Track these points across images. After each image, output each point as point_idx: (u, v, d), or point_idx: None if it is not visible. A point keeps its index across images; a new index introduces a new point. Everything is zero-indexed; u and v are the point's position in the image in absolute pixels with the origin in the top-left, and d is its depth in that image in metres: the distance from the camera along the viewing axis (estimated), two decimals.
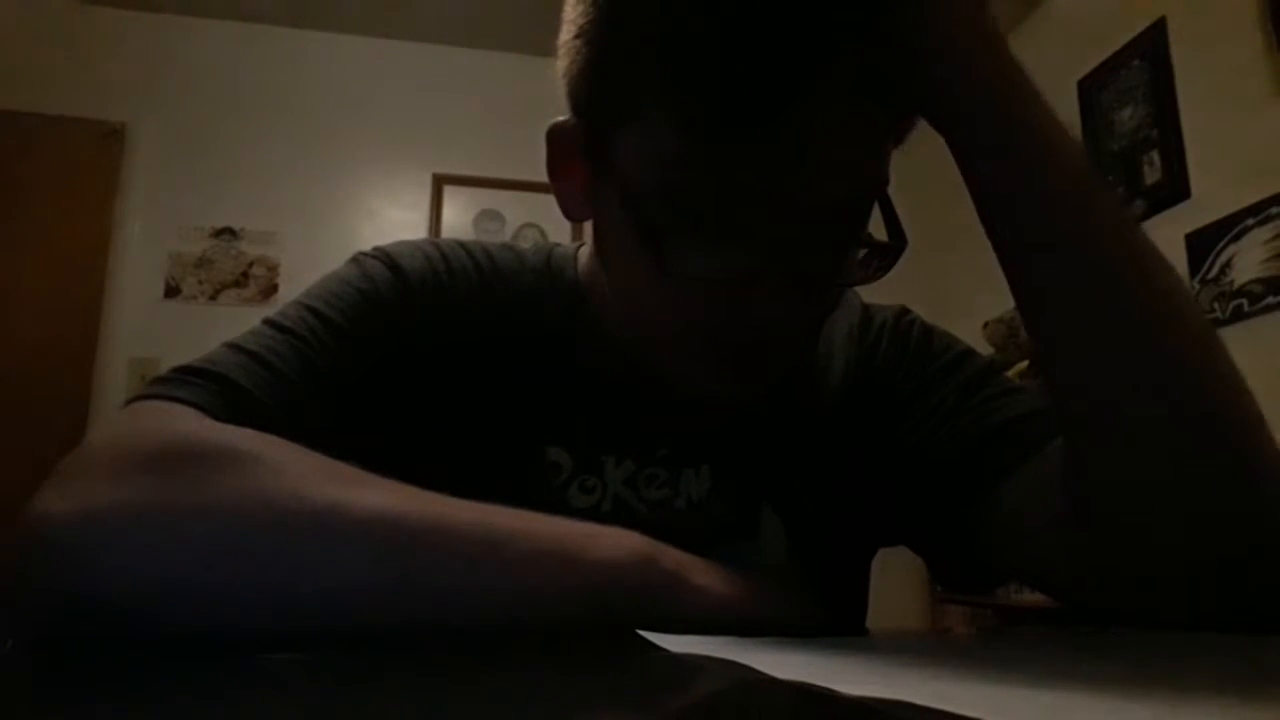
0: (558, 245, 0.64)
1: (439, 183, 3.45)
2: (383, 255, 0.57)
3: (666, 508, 0.57)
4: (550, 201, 0.59)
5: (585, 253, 0.62)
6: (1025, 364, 3.08)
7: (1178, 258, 2.58)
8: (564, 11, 0.50)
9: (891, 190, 0.47)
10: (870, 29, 0.41)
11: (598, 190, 0.50)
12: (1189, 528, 0.37)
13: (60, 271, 3.09)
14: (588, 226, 0.56)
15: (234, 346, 0.48)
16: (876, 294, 0.60)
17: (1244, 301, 2.37)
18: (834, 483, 0.60)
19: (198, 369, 0.45)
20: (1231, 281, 2.41)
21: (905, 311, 0.66)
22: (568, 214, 0.54)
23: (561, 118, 0.52)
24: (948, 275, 3.77)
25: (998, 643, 0.40)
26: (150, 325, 3.10)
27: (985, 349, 3.24)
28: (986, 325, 3.23)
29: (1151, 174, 2.74)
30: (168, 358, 0.48)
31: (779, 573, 0.52)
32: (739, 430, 0.60)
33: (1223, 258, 2.45)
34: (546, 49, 0.54)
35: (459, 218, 3.44)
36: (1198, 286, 2.51)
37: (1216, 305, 2.45)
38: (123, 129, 3.22)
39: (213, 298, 3.22)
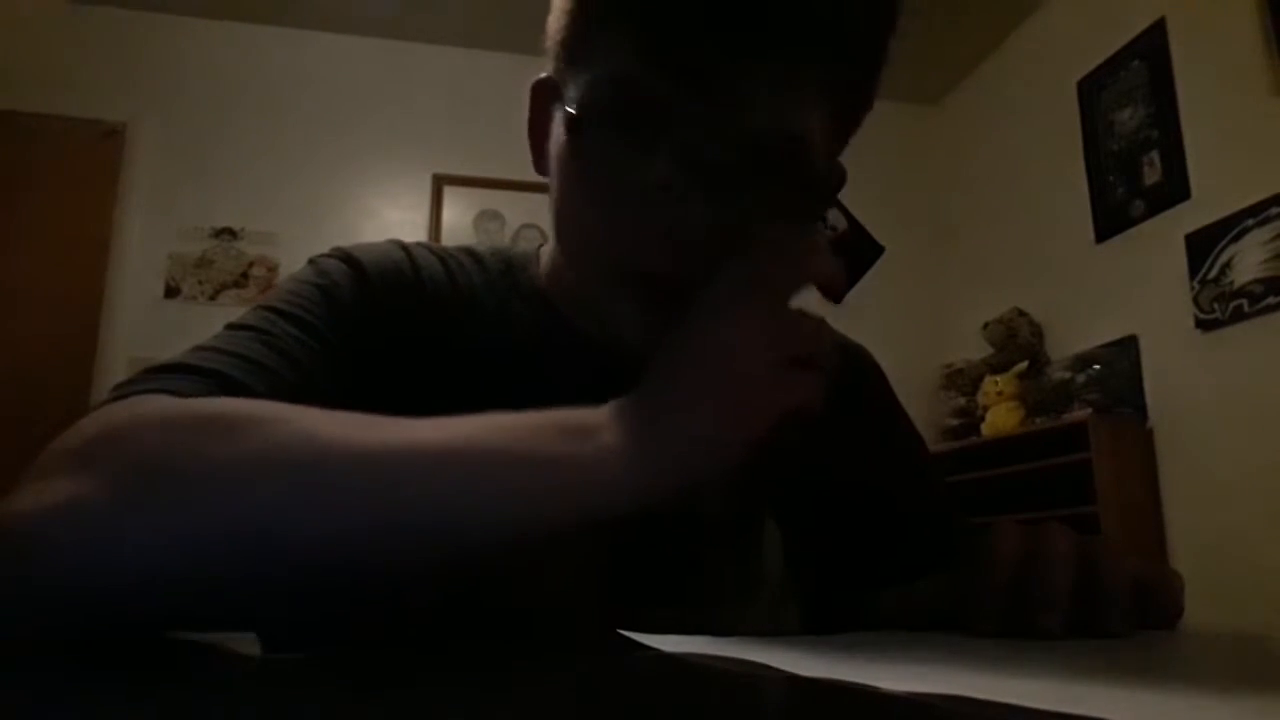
0: (515, 248, 0.65)
1: (439, 183, 3.45)
2: (339, 253, 0.57)
3: None
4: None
5: (546, 251, 0.63)
6: (1025, 364, 3.08)
7: (1177, 258, 2.59)
8: None
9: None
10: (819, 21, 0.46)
11: (557, 147, 0.52)
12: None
13: (60, 271, 3.09)
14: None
15: (201, 347, 0.48)
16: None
17: (1244, 301, 2.37)
18: (799, 482, 0.62)
19: (162, 366, 0.45)
20: (1231, 282, 2.41)
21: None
22: (539, 168, 0.56)
23: (543, 74, 0.55)
24: (947, 277, 3.77)
25: (988, 640, 0.40)
26: (150, 325, 3.10)
27: (985, 349, 3.25)
28: (986, 325, 3.23)
29: (1151, 174, 2.74)
30: (167, 358, 0.48)
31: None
32: None
33: (1223, 258, 2.45)
34: (546, 50, 0.55)
35: (459, 218, 3.44)
36: (1198, 287, 2.51)
37: (1216, 305, 2.45)
38: (123, 129, 3.23)
39: (213, 298, 3.22)
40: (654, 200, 0.46)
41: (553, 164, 0.53)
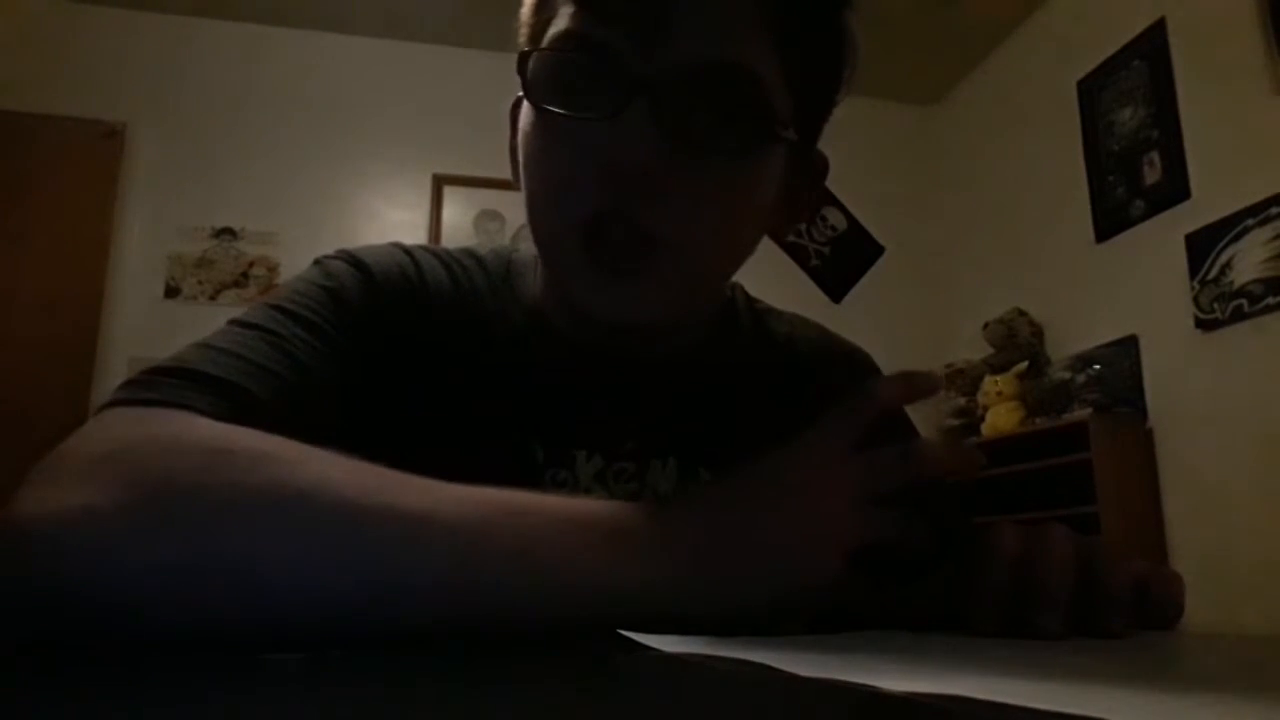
0: (517, 251, 0.64)
1: (439, 183, 3.45)
2: (345, 255, 0.57)
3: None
4: None
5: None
6: (1025, 364, 3.08)
7: (1177, 258, 2.59)
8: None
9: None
10: None
11: (519, 130, 0.54)
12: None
13: (60, 271, 3.09)
14: None
15: (204, 345, 0.47)
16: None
17: (1244, 301, 2.37)
18: None
19: (171, 368, 0.44)
20: (1231, 282, 2.41)
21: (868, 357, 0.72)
22: (518, 183, 0.57)
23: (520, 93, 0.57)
24: (948, 277, 3.77)
25: (988, 640, 0.40)
26: (150, 325, 3.10)
27: (985, 349, 3.25)
28: (987, 326, 3.23)
29: (1151, 174, 2.74)
30: (175, 353, 0.48)
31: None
32: (703, 422, 0.61)
33: (1223, 258, 2.45)
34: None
35: (459, 218, 3.44)
36: (1198, 287, 2.51)
37: (1216, 305, 2.45)
38: (123, 129, 3.22)
39: (213, 298, 3.22)
40: (596, 133, 0.47)
41: (520, 155, 0.54)
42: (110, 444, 0.37)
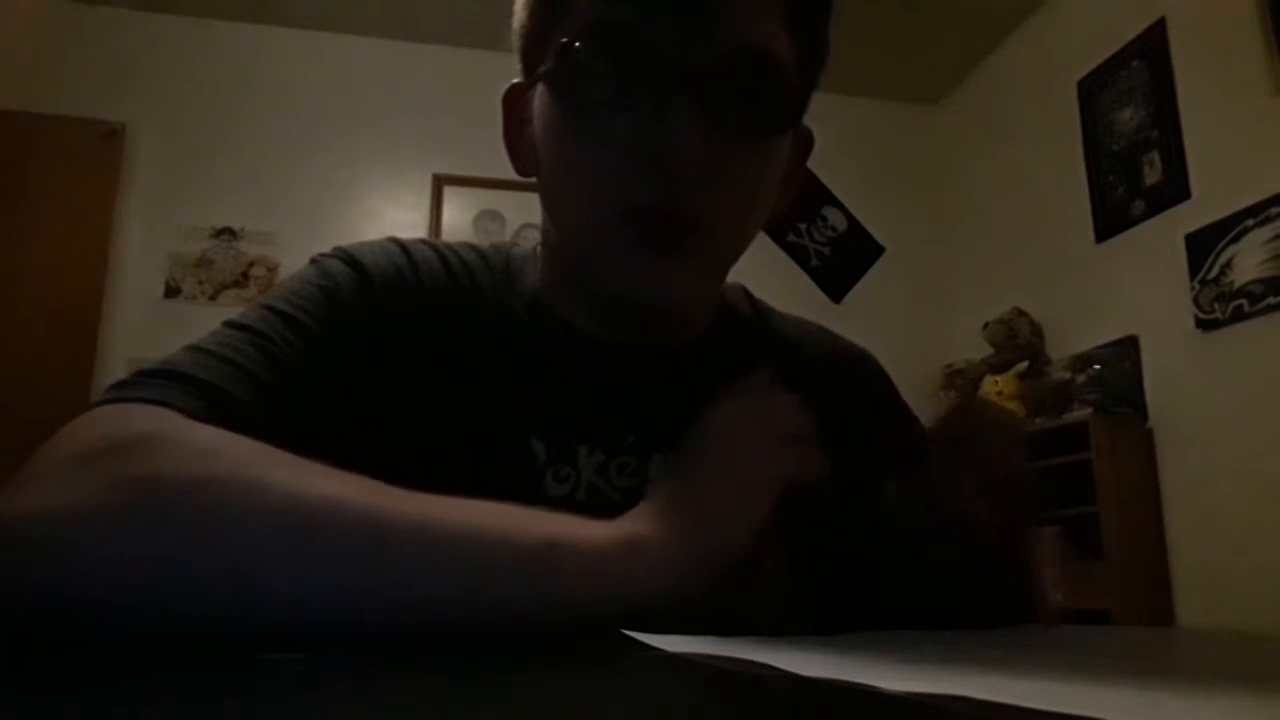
0: (515, 245, 0.65)
1: (439, 183, 3.45)
2: (341, 254, 0.57)
3: (636, 497, 0.57)
4: None
5: (540, 254, 0.63)
6: (1025, 364, 3.08)
7: (1178, 258, 2.59)
8: None
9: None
10: None
11: (540, 119, 0.54)
12: None
13: (60, 271, 3.09)
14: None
15: (193, 348, 0.48)
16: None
17: (1244, 302, 2.37)
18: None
19: (158, 370, 0.45)
20: (1231, 282, 2.41)
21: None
22: (521, 170, 0.57)
23: (515, 80, 0.57)
24: (948, 277, 3.77)
25: (994, 639, 0.40)
26: (150, 325, 3.10)
27: (985, 349, 3.25)
28: (986, 326, 3.23)
29: (1151, 174, 2.74)
30: (164, 356, 0.48)
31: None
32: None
33: (1223, 258, 2.45)
34: (515, 47, 0.57)
35: (459, 218, 3.44)
36: (1198, 287, 2.51)
37: (1216, 305, 2.45)
38: (123, 129, 3.22)
39: (213, 298, 3.22)
40: (641, 128, 0.47)
41: (540, 144, 0.53)
42: (94, 441, 0.37)
